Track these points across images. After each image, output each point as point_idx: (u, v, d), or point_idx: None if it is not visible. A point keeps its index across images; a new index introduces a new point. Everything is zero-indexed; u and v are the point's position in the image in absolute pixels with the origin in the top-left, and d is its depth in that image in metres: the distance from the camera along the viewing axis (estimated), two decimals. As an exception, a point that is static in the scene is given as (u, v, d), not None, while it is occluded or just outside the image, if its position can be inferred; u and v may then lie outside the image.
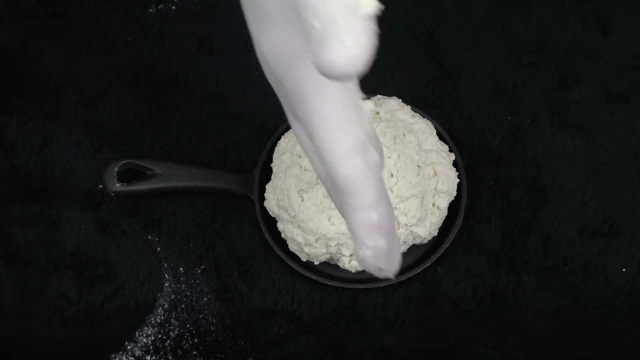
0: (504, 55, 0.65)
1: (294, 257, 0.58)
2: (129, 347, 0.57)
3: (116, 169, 0.60)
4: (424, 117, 0.59)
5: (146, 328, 0.58)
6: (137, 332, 0.58)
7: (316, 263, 0.57)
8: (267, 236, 0.58)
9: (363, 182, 0.35)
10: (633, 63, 0.64)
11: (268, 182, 0.58)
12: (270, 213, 0.58)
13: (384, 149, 0.53)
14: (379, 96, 0.59)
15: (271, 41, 0.35)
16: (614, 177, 0.61)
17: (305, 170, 0.54)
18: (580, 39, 0.65)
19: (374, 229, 0.36)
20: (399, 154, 0.54)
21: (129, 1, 0.68)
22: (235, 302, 0.59)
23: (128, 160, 0.60)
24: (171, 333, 0.58)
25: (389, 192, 0.53)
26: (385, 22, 0.66)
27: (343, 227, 0.53)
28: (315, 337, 0.58)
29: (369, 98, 0.59)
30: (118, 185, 0.60)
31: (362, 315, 0.58)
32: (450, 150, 0.59)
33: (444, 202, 0.56)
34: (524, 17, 0.66)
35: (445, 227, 0.58)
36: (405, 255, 0.58)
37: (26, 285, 0.59)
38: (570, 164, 0.61)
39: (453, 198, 0.57)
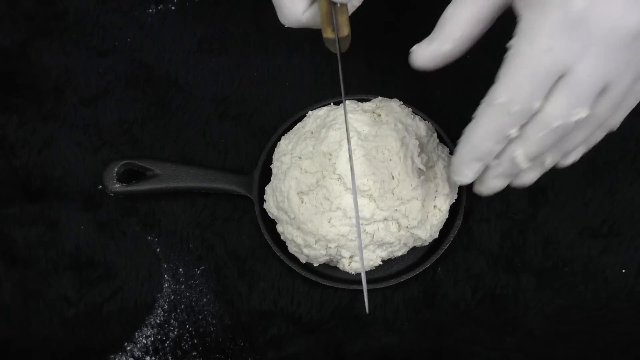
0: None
1: (294, 258, 0.58)
2: (128, 348, 0.57)
3: (116, 169, 0.60)
4: (424, 119, 0.59)
5: (146, 329, 0.58)
6: (136, 333, 0.58)
7: (315, 264, 0.57)
8: (267, 237, 0.58)
9: None
10: (633, 64, 0.64)
11: (267, 182, 0.58)
12: (269, 215, 0.58)
13: (386, 151, 0.53)
14: (380, 98, 0.59)
15: None
16: (614, 178, 0.61)
17: (306, 172, 0.54)
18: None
19: None
20: (400, 157, 0.54)
21: (129, 1, 0.68)
22: (234, 302, 0.59)
23: (128, 161, 0.60)
24: (171, 334, 0.58)
25: (390, 195, 0.53)
26: (384, 22, 0.67)
27: (343, 229, 0.53)
28: (315, 338, 0.58)
29: (369, 99, 0.59)
30: (118, 185, 0.60)
31: (362, 316, 0.58)
32: (451, 153, 0.59)
33: (445, 205, 0.56)
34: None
35: (445, 228, 0.58)
36: (405, 256, 0.58)
37: (26, 286, 0.59)
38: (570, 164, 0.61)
39: (454, 200, 0.57)
